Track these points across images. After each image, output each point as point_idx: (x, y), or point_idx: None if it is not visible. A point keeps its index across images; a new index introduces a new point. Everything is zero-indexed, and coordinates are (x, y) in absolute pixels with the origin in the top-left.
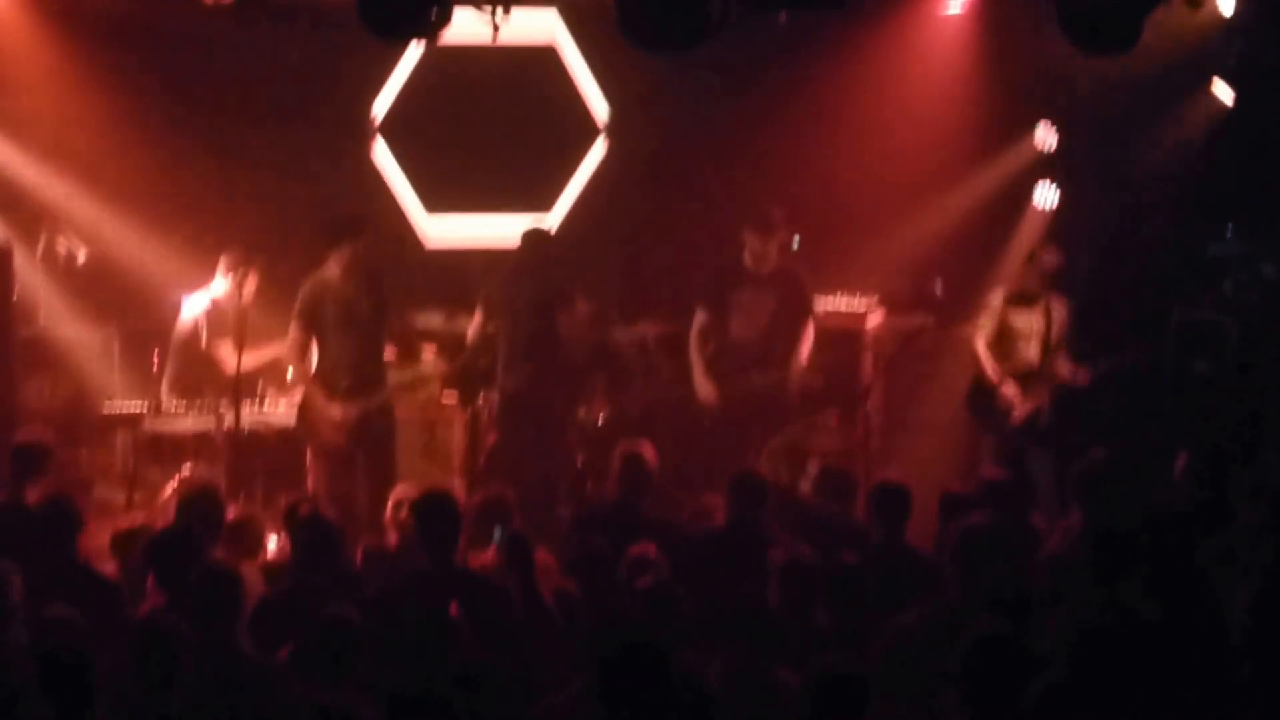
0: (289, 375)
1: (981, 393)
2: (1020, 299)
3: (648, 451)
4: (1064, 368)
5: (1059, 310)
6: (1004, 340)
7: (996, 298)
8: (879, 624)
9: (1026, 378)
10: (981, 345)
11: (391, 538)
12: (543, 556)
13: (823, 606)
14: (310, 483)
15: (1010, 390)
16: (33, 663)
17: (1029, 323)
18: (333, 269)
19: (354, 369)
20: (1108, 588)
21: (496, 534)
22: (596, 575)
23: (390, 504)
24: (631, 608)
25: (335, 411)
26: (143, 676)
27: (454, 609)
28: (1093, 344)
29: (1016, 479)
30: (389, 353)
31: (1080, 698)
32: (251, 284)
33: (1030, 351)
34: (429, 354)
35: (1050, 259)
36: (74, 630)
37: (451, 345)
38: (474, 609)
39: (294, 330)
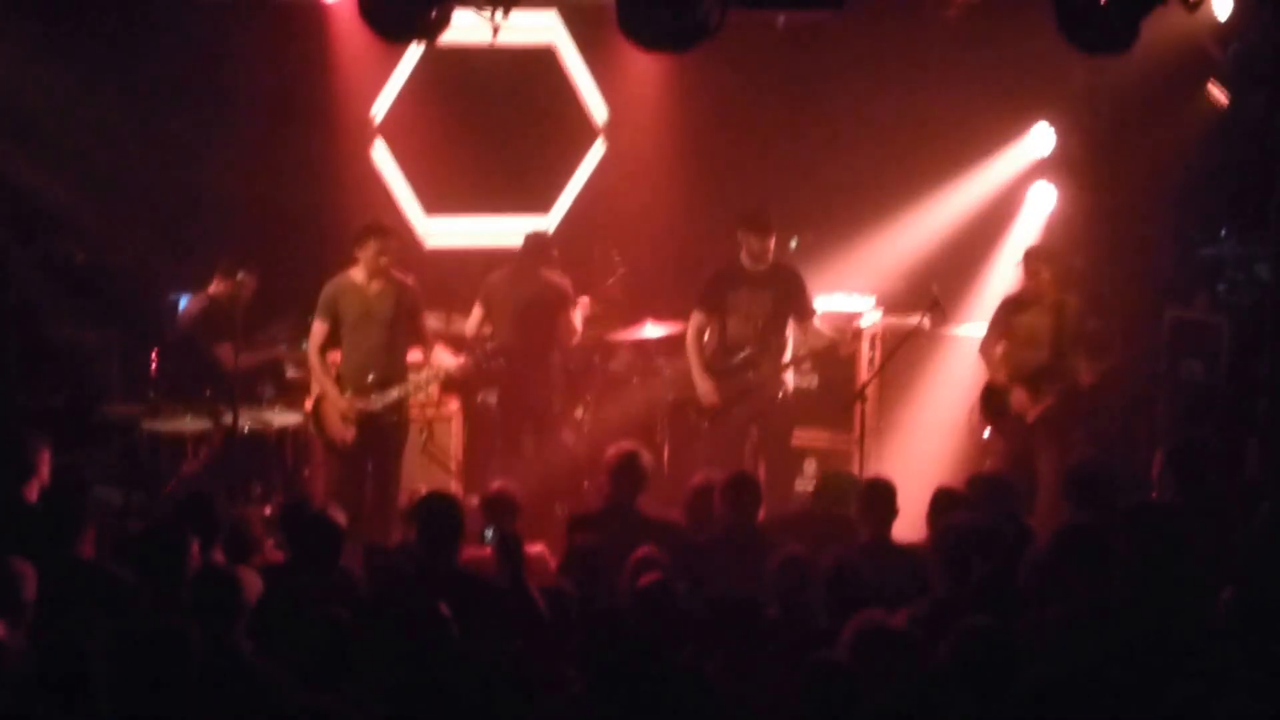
0: (288, 375)
1: (994, 395)
2: (1026, 301)
3: (644, 451)
4: (1074, 367)
5: (1071, 310)
6: (1011, 342)
7: (1006, 299)
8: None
9: (1036, 378)
10: (988, 349)
11: (397, 534)
12: (543, 555)
13: (814, 604)
14: (316, 480)
15: (1020, 393)
16: (35, 661)
17: (1037, 324)
18: (358, 270)
19: (371, 368)
20: (1094, 584)
21: (489, 534)
22: (592, 574)
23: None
24: (631, 607)
25: (348, 407)
26: (149, 675)
27: (443, 609)
28: (1088, 345)
29: (1011, 477)
30: (411, 355)
31: (1068, 694)
32: (250, 285)
33: (1040, 352)
34: (431, 354)
35: (1056, 263)
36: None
37: (451, 345)
38: (469, 609)
39: (315, 325)
